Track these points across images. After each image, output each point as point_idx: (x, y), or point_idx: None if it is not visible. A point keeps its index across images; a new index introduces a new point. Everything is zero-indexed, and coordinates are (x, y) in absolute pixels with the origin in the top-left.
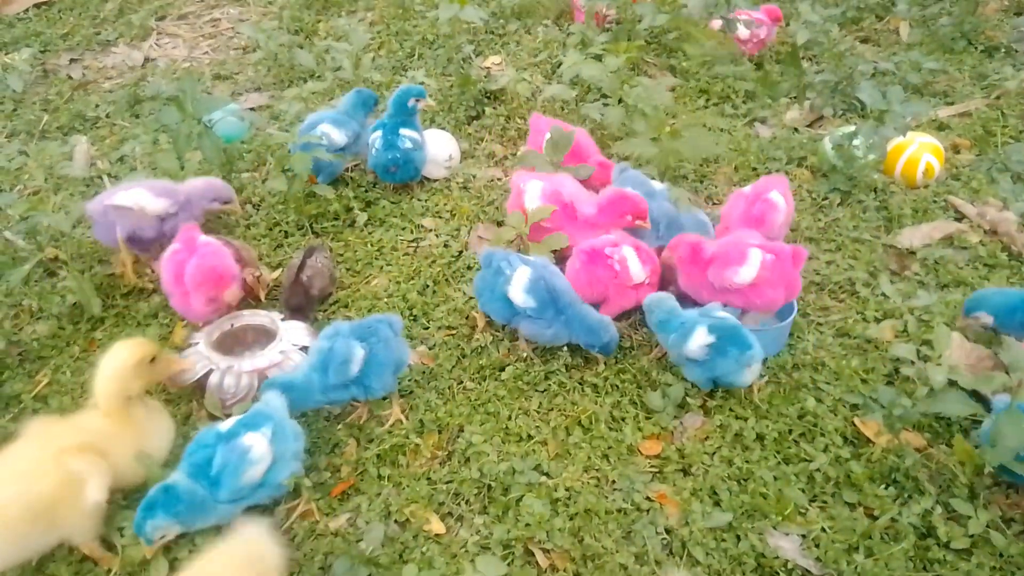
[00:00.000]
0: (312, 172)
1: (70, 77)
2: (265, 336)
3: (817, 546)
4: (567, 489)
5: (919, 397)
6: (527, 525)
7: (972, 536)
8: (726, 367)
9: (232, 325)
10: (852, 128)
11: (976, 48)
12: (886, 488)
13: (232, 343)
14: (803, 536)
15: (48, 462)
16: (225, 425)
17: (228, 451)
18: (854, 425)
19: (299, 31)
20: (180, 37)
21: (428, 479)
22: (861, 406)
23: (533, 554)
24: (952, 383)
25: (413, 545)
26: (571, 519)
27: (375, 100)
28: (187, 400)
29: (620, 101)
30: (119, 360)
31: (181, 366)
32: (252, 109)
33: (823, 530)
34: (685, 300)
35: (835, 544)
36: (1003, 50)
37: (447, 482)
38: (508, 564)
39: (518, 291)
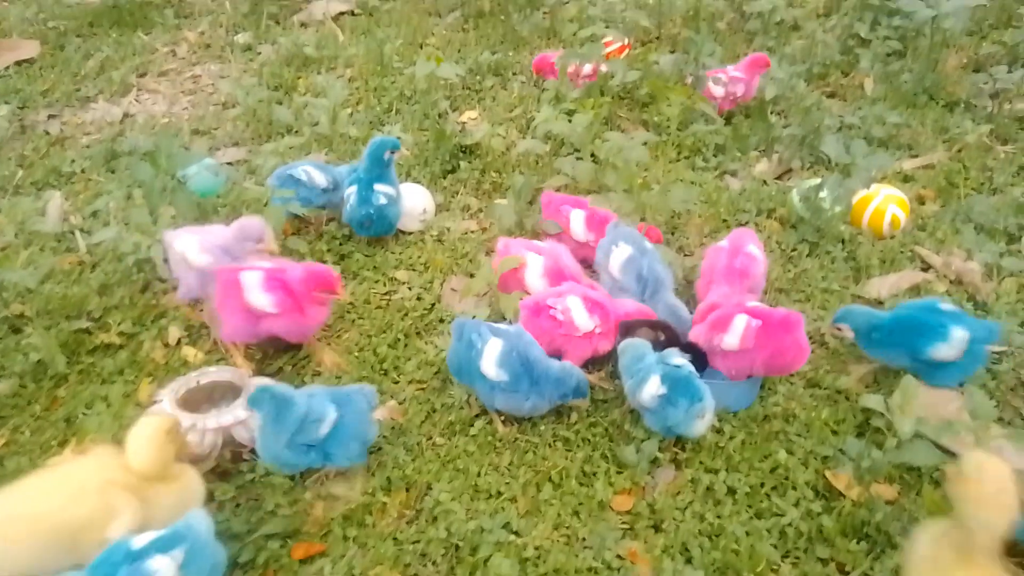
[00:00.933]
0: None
1: (47, 133)
2: (232, 393)
3: None
4: (536, 548)
5: (888, 448)
6: None
7: None
8: (676, 417)
9: (199, 382)
10: (818, 181)
11: (937, 103)
12: (858, 543)
13: (199, 400)
14: None
15: (93, 489)
16: (139, 542)
17: (131, 574)
18: (825, 478)
19: (278, 87)
20: (160, 93)
21: (395, 539)
22: (831, 458)
23: None
24: (919, 435)
25: None
26: None
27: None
28: None
29: (593, 156)
30: (149, 430)
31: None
32: (229, 163)
33: None
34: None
35: None
36: (963, 104)
37: (414, 542)
38: None
39: (490, 364)
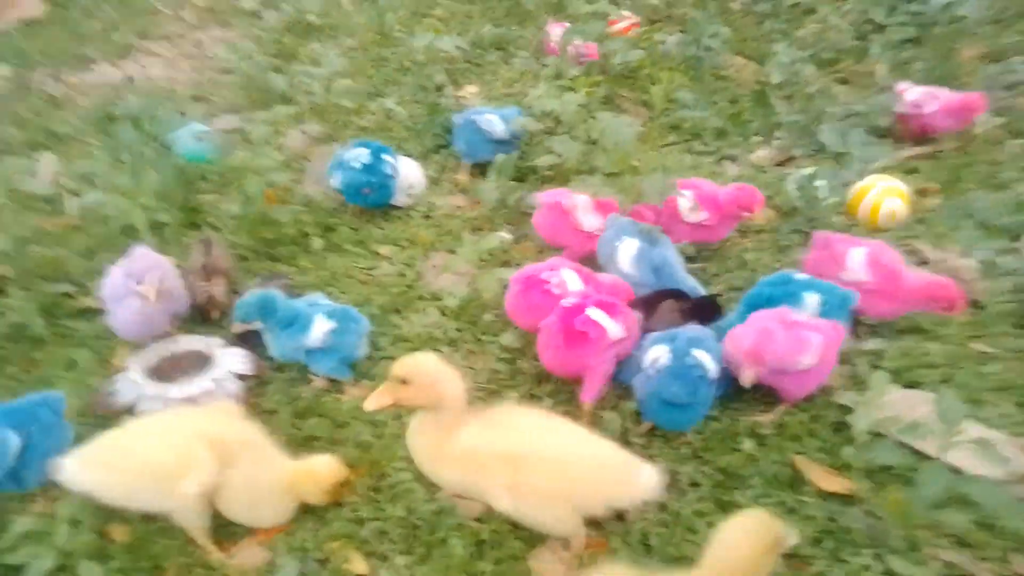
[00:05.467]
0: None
1: (47, 93)
2: (202, 363)
3: None
4: (495, 531)
5: (859, 444)
6: (447, 568)
7: None
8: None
9: (171, 351)
10: (814, 169)
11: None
12: (820, 541)
13: (169, 369)
14: None
15: (183, 438)
16: None
17: None
18: (795, 470)
19: (278, 54)
20: (161, 57)
21: (355, 517)
22: (802, 453)
23: None
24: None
25: None
26: (496, 564)
27: None
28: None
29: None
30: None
31: None
32: (225, 131)
33: None
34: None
35: None
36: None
37: (373, 519)
38: None
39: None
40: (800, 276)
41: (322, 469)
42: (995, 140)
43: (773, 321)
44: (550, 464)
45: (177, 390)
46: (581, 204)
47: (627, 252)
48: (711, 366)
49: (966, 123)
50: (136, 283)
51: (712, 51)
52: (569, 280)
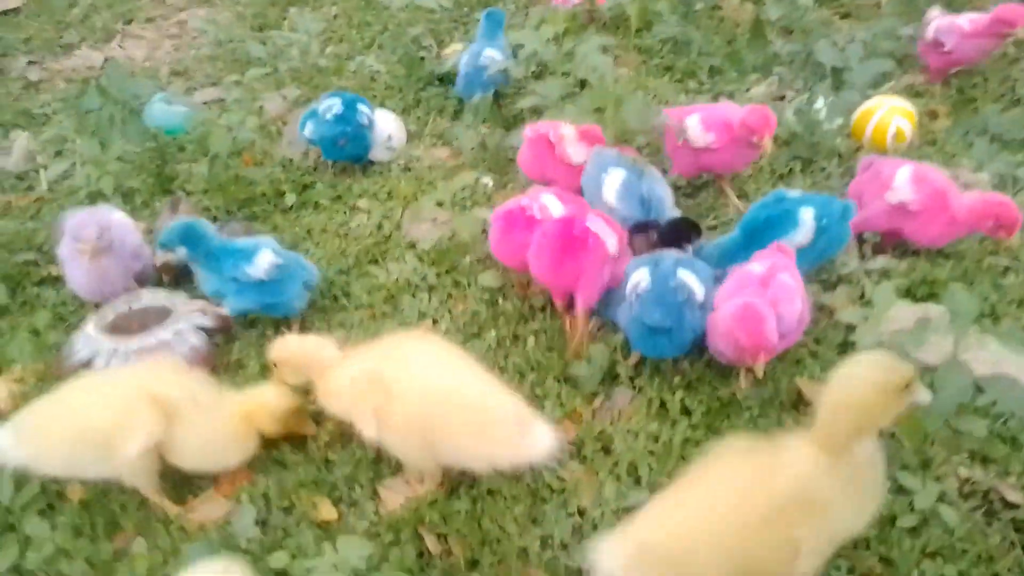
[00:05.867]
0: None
1: (25, 78)
2: (165, 317)
3: None
4: (471, 470)
5: None
6: (416, 508)
7: (919, 512)
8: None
9: (130, 307)
10: (812, 94)
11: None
12: None
13: (130, 325)
14: None
15: (126, 397)
16: None
17: None
18: (798, 395)
19: (262, 27)
20: (144, 39)
21: (325, 463)
22: (805, 374)
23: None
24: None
25: (295, 532)
26: (473, 502)
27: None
28: None
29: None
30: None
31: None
32: (205, 103)
33: None
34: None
35: None
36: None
37: (343, 465)
38: (386, 546)
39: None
40: (792, 193)
41: (271, 397)
42: (1009, 59)
43: (745, 297)
44: (418, 395)
45: (135, 343)
46: (568, 135)
47: (612, 184)
48: (698, 289)
49: (998, 45)
50: (75, 241)
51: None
52: (550, 204)
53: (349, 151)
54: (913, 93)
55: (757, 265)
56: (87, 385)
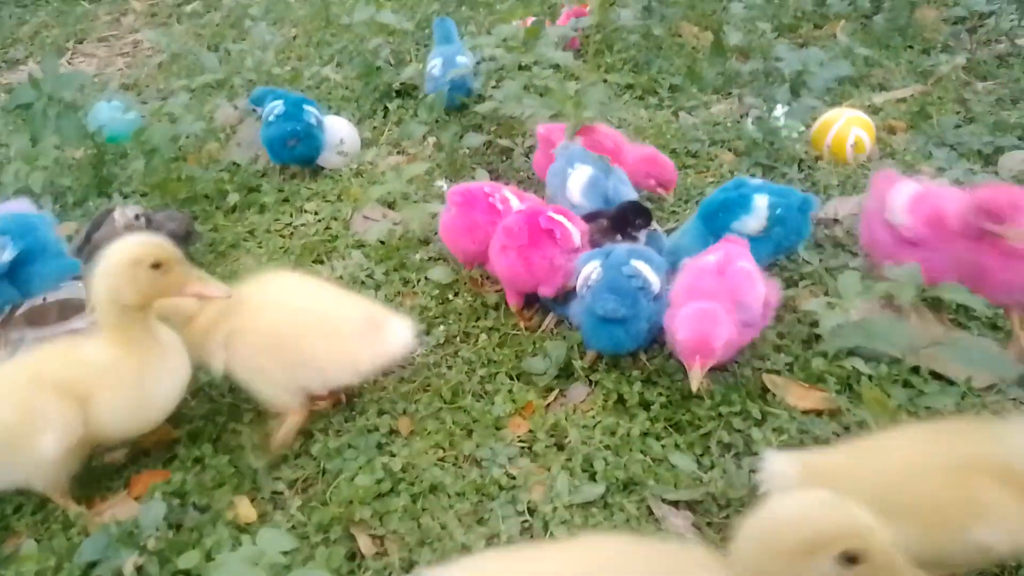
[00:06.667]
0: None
1: None
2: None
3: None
4: (412, 465)
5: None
6: (350, 503)
7: None
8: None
9: (44, 299)
10: (775, 104)
11: (913, 47)
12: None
13: (48, 318)
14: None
15: (21, 389)
16: None
17: None
18: (763, 386)
19: (218, 46)
20: (96, 57)
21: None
22: (771, 370)
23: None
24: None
25: (210, 531)
26: (412, 499)
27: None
28: None
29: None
30: (112, 255)
31: (204, 289)
32: (152, 114)
33: (712, 497)
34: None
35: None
36: (940, 46)
37: (269, 464)
38: (313, 546)
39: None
40: (754, 180)
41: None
42: (962, 83)
43: (703, 290)
44: (271, 311)
45: (49, 332)
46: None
47: (578, 180)
48: (652, 278)
49: None
50: None
51: (666, 19)
52: (511, 198)
53: (300, 152)
54: (872, 111)
55: (711, 256)
56: None
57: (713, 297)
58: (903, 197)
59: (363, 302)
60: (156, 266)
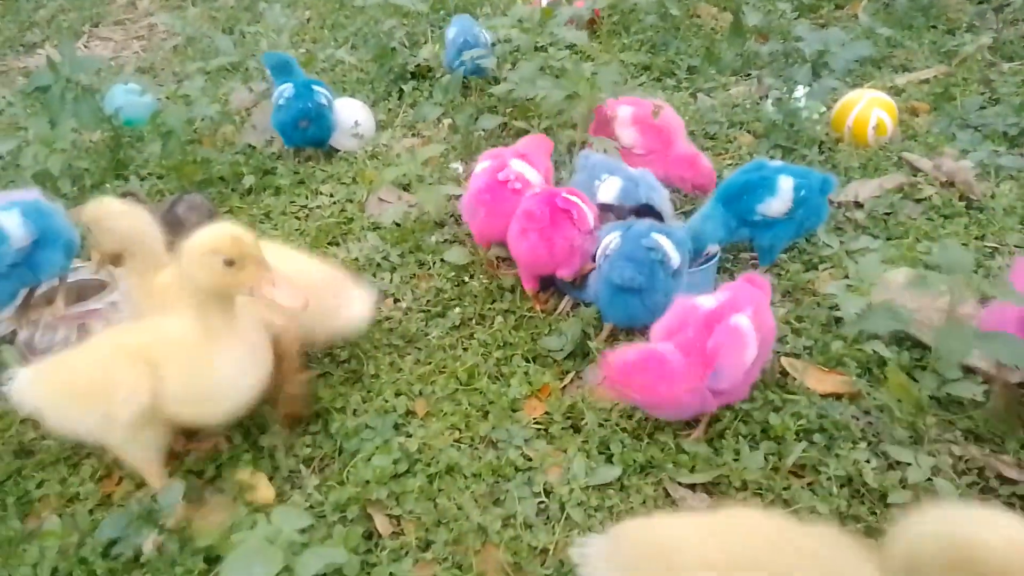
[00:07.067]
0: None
1: None
2: (102, 290)
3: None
4: (428, 446)
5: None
6: (367, 483)
7: (911, 487)
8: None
9: (60, 280)
10: (795, 85)
11: (936, 27)
12: (809, 439)
13: (66, 300)
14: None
15: (106, 356)
16: None
17: None
18: (782, 373)
19: (231, 30)
20: (112, 40)
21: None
22: (789, 353)
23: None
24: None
25: (229, 509)
26: (429, 480)
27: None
28: None
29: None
30: (195, 240)
31: (274, 294)
32: (168, 97)
33: (727, 479)
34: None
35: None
36: (964, 26)
37: (286, 444)
38: (331, 525)
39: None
40: (773, 162)
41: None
42: (986, 63)
43: (675, 339)
44: None
45: (70, 311)
46: (622, 116)
47: (609, 191)
48: (672, 253)
49: None
50: None
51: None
52: (525, 170)
53: (311, 133)
54: (894, 92)
55: (710, 300)
56: (99, 342)
57: (686, 354)
58: None
59: (325, 268)
60: (230, 263)
